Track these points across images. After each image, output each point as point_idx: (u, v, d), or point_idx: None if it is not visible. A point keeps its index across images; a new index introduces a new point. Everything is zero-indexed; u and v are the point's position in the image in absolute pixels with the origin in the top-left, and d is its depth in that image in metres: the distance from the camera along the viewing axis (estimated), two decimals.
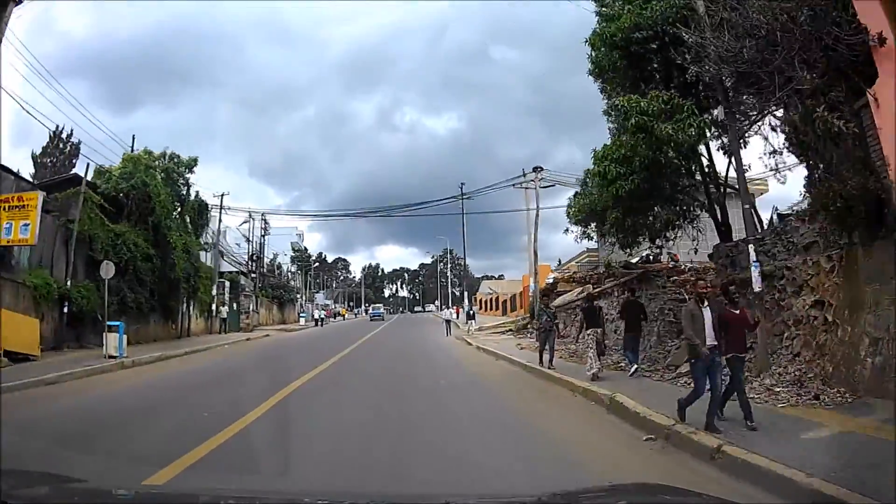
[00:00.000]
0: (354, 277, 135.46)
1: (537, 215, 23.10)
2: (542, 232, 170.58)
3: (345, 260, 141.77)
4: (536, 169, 23.50)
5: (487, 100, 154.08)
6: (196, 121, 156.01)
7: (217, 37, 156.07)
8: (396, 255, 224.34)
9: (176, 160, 24.87)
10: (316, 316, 46.28)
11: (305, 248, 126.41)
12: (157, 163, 24.61)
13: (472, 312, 26.69)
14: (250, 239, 42.69)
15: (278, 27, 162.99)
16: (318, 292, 73.33)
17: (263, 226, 44.26)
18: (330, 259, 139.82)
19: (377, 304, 69.47)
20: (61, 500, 2.13)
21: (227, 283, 32.71)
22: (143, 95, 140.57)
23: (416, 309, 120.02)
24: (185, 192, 25.10)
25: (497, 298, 64.91)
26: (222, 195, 30.44)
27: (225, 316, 28.00)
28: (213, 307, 28.36)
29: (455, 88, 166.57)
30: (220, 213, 30.41)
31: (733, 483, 4.60)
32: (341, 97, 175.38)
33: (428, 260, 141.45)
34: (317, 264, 76.89)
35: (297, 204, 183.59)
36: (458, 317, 58.06)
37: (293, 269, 69.08)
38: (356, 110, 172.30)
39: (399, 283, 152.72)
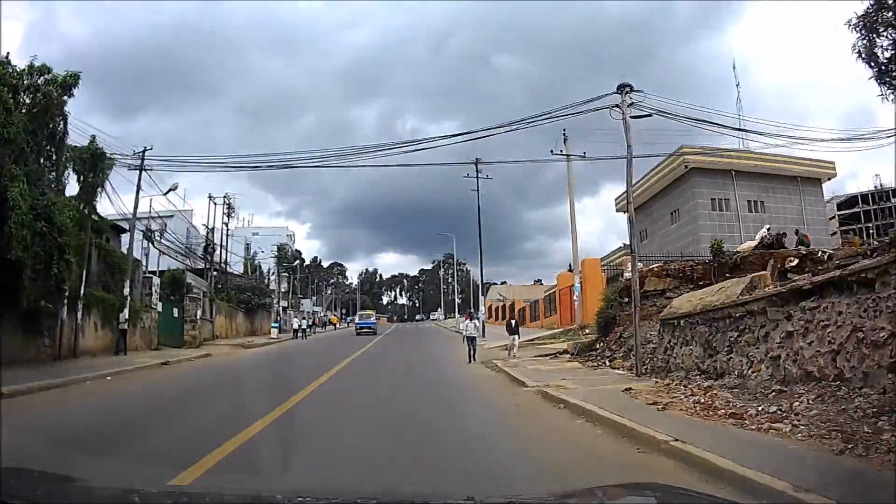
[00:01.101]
0: (351, 283, 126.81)
1: (630, 162, 13.83)
2: (538, 241, 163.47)
3: (341, 265, 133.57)
4: (623, 88, 14.25)
5: (488, 107, 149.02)
6: (196, 127, 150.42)
7: (218, 43, 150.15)
8: (396, 263, 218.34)
9: (47, 76, 15.80)
10: (296, 325, 36.94)
11: (299, 252, 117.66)
12: (20, 81, 15.56)
13: (514, 324, 17.33)
14: (208, 225, 33.47)
15: (280, 34, 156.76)
16: (303, 298, 63.76)
17: (226, 210, 34.98)
18: (326, 264, 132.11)
19: (367, 312, 48.91)
20: (61, 500, 2.09)
21: (156, 281, 23.47)
22: (143, 101, 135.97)
23: (416, 317, 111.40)
24: (60, 129, 15.99)
25: (511, 306, 55.62)
26: (143, 150, 21.23)
27: (125, 326, 18.66)
28: (126, 314, 19.17)
29: (456, 96, 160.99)
30: (140, 176, 21.20)
31: None
32: (342, 105, 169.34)
33: (428, 266, 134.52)
34: (297, 263, 67.28)
35: (296, 211, 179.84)
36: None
37: (276, 272, 59.74)
38: (357, 117, 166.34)
39: (398, 290, 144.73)
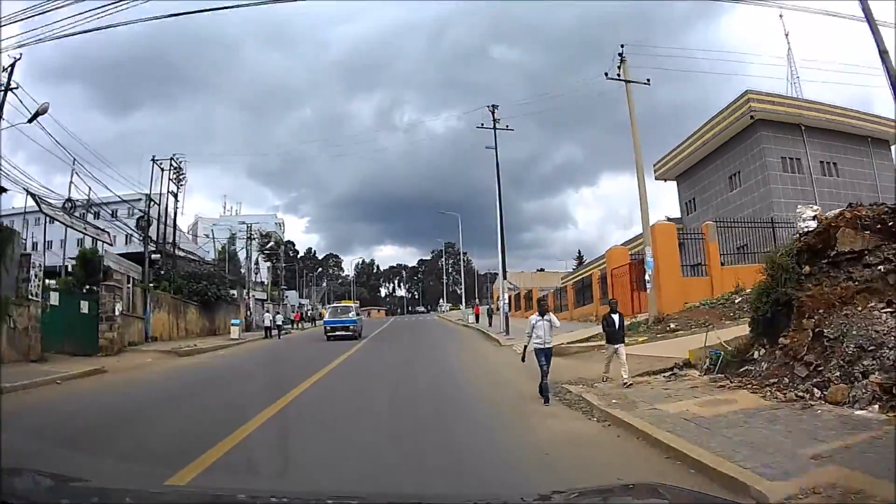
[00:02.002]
0: (347, 276, 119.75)
1: None
2: (535, 231, 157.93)
3: (336, 256, 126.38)
4: None
5: (487, 98, 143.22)
6: (194, 123, 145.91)
7: (215, 38, 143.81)
8: (394, 255, 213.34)
9: None
10: (267, 322, 29.51)
11: (292, 244, 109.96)
12: None
13: (617, 322, 9.19)
14: (150, 195, 25.95)
15: (276, 28, 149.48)
16: (288, 289, 55.97)
17: (175, 175, 27.41)
18: (321, 256, 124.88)
19: (344, 304, 31.96)
20: (62, 500, 2.06)
21: (37, 260, 16.09)
22: (140, 98, 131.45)
23: (417, 309, 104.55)
24: None
25: (527, 295, 48.40)
26: (12, 63, 13.66)
27: None
28: None
29: (454, 87, 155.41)
30: (4, 98, 13.65)
31: None
32: (340, 98, 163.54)
33: (427, 256, 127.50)
34: (279, 248, 59.44)
35: (294, 205, 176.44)
36: (476, 320, 41.29)
37: (248, 256, 52.25)
38: (355, 110, 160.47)
39: (396, 281, 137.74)
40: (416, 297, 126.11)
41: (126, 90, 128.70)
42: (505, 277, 22.77)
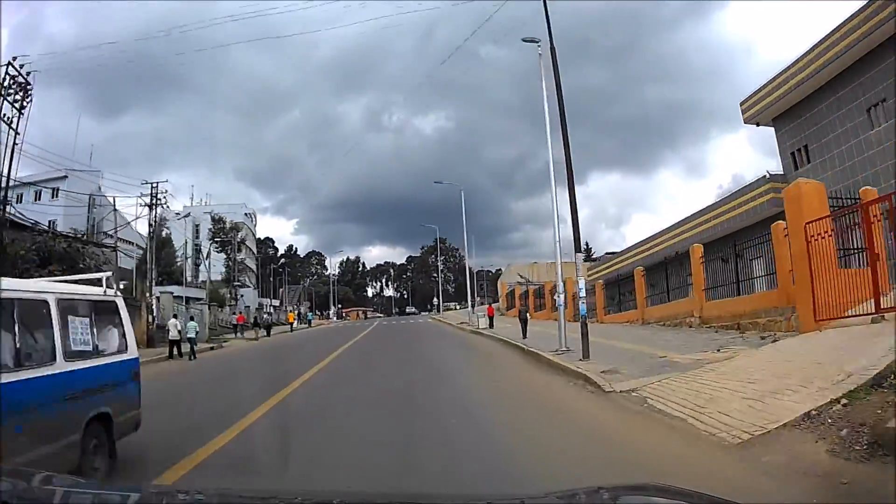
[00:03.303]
0: (331, 275, 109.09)
1: None
2: (524, 231, 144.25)
3: (320, 254, 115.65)
4: None
5: (474, 99, 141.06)
6: (181, 125, 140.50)
7: (203, 40, 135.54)
8: (383, 255, 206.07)
9: None
10: (173, 335, 18.29)
11: (271, 240, 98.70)
12: None
13: None
14: None
15: (265, 30, 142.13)
16: (242, 286, 44.26)
17: (16, 90, 16.18)
18: (305, 254, 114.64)
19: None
20: (61, 500, 1.97)
21: None
22: (128, 100, 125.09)
23: (407, 310, 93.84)
24: None
25: (539, 291, 37.45)
26: None
27: None
28: None
29: (442, 87, 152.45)
30: None
31: None
32: (328, 99, 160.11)
33: (416, 253, 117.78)
34: (228, 239, 48.12)
35: (283, 206, 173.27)
36: (490, 324, 30.60)
37: (208, 253, 40.96)
38: (343, 111, 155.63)
39: (384, 281, 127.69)
40: (405, 296, 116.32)
41: (114, 92, 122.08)
42: (579, 250, 12.03)
